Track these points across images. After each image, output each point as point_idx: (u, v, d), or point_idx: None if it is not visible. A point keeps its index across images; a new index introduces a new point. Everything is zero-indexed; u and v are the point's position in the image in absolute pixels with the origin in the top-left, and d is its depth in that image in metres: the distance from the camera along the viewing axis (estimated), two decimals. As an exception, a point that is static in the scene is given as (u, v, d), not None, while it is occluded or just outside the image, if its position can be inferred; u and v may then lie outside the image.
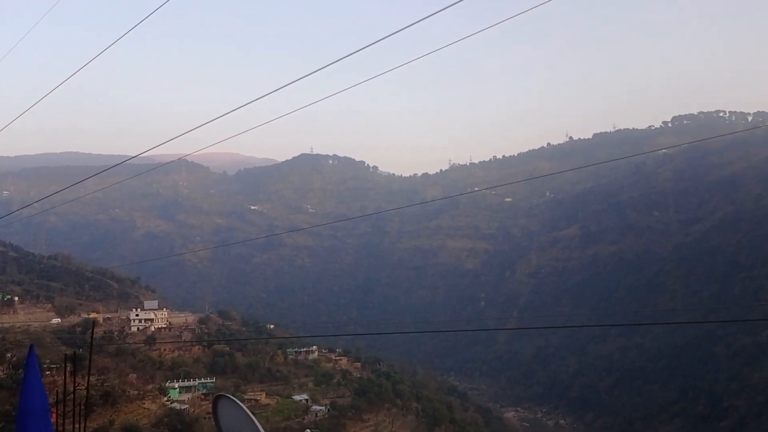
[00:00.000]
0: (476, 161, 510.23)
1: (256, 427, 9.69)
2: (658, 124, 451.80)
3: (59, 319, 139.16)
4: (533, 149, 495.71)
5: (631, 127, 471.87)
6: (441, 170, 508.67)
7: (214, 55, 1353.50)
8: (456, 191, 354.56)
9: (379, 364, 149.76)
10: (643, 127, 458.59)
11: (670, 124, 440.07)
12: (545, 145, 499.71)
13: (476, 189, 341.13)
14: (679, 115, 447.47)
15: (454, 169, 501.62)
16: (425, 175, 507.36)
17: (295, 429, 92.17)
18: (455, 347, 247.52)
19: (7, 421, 75.51)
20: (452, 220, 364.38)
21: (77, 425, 12.00)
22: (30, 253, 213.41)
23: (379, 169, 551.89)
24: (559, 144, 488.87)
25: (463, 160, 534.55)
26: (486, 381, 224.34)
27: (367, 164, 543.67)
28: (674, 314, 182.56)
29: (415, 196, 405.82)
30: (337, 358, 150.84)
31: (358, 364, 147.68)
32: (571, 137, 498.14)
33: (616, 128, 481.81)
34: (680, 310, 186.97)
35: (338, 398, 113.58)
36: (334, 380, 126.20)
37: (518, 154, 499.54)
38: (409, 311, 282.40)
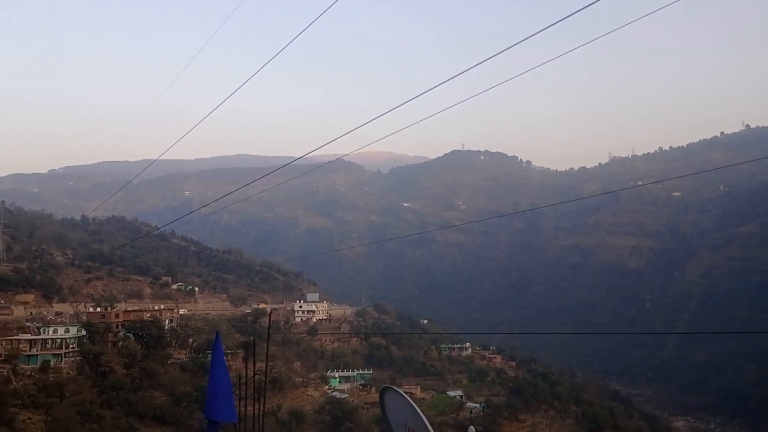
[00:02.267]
0: (639, 153, 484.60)
1: (422, 419, 9.85)
2: None
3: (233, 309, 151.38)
4: (704, 139, 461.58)
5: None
6: (600, 164, 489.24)
7: (369, 58, 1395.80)
8: (617, 185, 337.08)
9: (535, 364, 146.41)
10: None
11: None
12: (718, 135, 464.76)
13: (640, 183, 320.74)
14: None
15: (615, 162, 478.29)
16: (582, 169, 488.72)
17: (450, 424, 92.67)
18: (618, 350, 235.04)
19: (189, 400, 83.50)
20: (613, 216, 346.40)
21: (254, 408, 12.92)
22: (208, 248, 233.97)
23: (533, 163, 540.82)
24: (734, 133, 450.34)
25: (624, 152, 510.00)
26: (652, 387, 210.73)
27: (520, 159, 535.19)
28: None
29: (571, 191, 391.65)
30: (491, 356, 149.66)
31: (513, 363, 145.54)
32: (748, 125, 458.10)
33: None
34: None
35: (493, 396, 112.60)
36: (488, 378, 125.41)
37: (687, 145, 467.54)
38: (567, 311, 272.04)
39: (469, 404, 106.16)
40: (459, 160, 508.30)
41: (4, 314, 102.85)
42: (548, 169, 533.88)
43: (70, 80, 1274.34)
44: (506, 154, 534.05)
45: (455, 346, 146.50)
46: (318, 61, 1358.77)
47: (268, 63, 18.43)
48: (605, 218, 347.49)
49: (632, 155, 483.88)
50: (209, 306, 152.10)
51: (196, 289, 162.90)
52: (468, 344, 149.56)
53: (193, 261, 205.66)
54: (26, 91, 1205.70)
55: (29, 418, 67.28)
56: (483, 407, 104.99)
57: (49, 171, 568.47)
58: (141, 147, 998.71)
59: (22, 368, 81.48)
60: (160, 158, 57.70)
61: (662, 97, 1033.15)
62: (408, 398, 10.35)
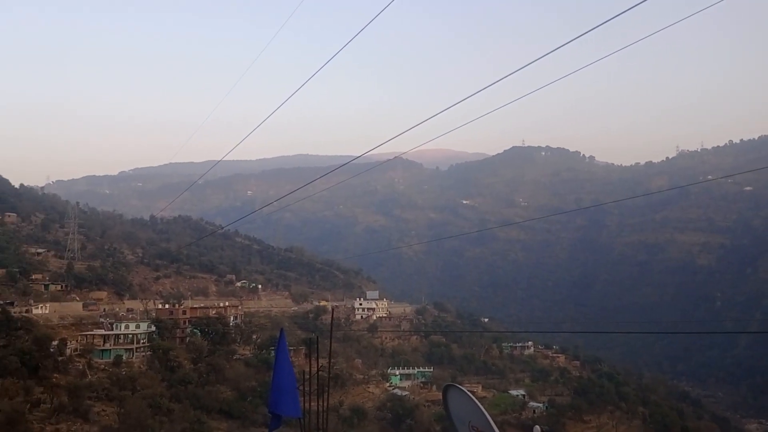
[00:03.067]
0: (708, 147, 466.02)
1: (486, 417, 9.71)
2: None
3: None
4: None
5: None
6: (667, 158, 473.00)
7: (426, 56, 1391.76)
8: (685, 180, 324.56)
9: (600, 364, 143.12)
10: None
11: None
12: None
13: (710, 177, 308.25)
14: None
15: (683, 156, 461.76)
16: (649, 163, 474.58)
17: (513, 424, 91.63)
18: (687, 350, 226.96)
19: (254, 395, 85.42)
20: (681, 212, 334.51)
21: (317, 403, 13.07)
22: (270, 246, 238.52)
23: (596, 158, 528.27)
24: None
25: (693, 146, 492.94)
26: (723, 388, 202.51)
27: (583, 154, 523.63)
28: None
29: (637, 186, 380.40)
30: (554, 355, 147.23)
31: (577, 363, 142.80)
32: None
33: None
34: None
35: (556, 396, 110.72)
36: (552, 377, 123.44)
37: (759, 138, 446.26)
38: (633, 310, 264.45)
39: (532, 404, 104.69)
40: (519, 156, 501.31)
41: (92, 310, 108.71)
42: (612, 164, 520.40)
43: (136, 84, 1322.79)
44: (568, 150, 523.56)
45: (517, 344, 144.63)
46: (376, 60, 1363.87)
47: (326, 65, 18.70)
48: (673, 214, 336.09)
49: (701, 149, 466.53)
50: (272, 303, 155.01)
51: (259, 286, 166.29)
52: (530, 343, 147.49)
53: (256, 259, 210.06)
54: (97, 96, 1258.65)
55: (103, 410, 70.22)
56: (546, 407, 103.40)
57: (119, 173, 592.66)
58: (205, 148, 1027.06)
59: (96, 362, 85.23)
60: (224, 159, 59.32)
61: (732, 88, 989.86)
62: (471, 396, 10.23)
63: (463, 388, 10.57)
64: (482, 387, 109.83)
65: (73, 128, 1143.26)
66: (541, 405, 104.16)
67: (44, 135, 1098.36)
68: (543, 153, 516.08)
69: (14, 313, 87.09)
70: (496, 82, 15.01)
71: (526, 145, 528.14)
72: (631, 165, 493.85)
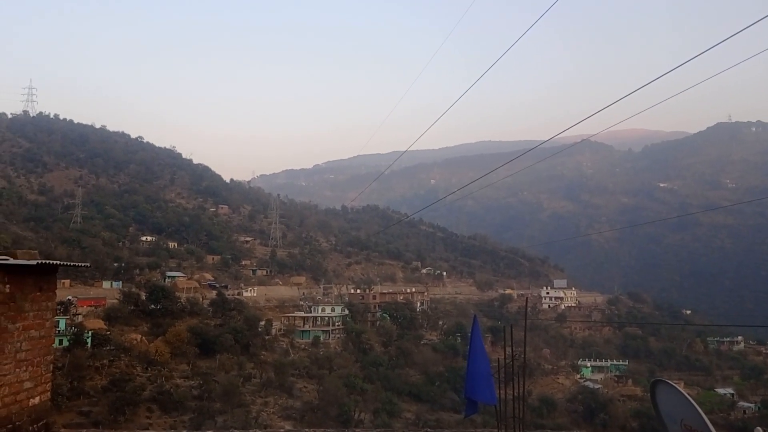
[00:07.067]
0: None
1: (701, 416, 8.94)
2: None
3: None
4: None
5: None
6: None
7: (616, 31, 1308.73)
8: None
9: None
10: None
11: None
12: None
13: None
14: None
15: None
16: None
17: (720, 424, 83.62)
18: None
19: (441, 380, 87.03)
20: None
21: (512, 392, 12.91)
22: (453, 234, 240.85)
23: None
24: None
25: None
26: None
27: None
28: None
29: None
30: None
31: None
32: None
33: None
34: None
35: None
36: (766, 376, 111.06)
37: None
38: None
39: (742, 403, 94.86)
40: (725, 133, 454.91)
41: (327, 288, 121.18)
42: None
43: (326, 83, 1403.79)
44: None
45: (725, 339, 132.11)
46: (563, 40, 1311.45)
47: (513, 46, 18.22)
48: None
49: None
50: (456, 290, 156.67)
51: (444, 273, 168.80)
52: (740, 338, 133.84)
53: (440, 246, 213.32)
54: (294, 97, 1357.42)
55: (305, 386, 75.78)
56: (758, 407, 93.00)
57: (313, 166, 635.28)
58: (390, 140, 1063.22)
59: (297, 342, 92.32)
60: (408, 149, 60.66)
61: None
62: (684, 393, 9.47)
63: (674, 384, 9.82)
64: (684, 383, 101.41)
65: (275, 127, 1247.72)
66: (752, 405, 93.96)
67: (250, 135, 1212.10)
68: (753, 129, 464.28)
69: (228, 295, 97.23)
70: (699, 55, 13.50)
71: (733, 121, 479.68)
72: None
